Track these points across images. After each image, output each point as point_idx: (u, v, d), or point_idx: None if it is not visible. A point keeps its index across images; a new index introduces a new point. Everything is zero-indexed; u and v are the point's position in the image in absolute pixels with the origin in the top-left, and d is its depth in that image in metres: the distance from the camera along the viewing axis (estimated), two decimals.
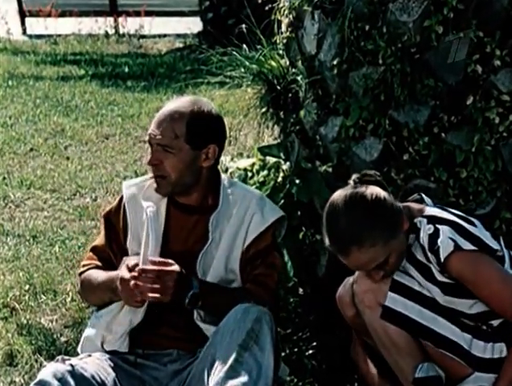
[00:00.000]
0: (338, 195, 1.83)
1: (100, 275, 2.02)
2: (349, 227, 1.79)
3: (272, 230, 2.04)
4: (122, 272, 1.90)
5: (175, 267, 1.87)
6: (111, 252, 2.08)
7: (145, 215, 2.01)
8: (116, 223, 2.09)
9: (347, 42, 2.40)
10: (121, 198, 2.11)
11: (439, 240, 1.83)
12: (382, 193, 1.83)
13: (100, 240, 2.13)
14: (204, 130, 2.01)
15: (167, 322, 1.98)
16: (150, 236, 1.95)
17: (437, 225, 1.86)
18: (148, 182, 2.09)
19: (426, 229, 1.86)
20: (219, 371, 1.77)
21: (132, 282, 1.85)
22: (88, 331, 2.04)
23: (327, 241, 1.84)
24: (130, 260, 1.92)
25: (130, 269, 1.88)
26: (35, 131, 5.13)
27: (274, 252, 2.05)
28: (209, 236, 1.99)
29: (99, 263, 2.09)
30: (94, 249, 2.12)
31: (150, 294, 1.85)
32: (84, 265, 2.12)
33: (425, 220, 1.88)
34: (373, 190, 1.82)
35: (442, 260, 1.83)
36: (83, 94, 6.16)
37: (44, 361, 2.45)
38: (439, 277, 1.88)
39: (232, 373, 1.76)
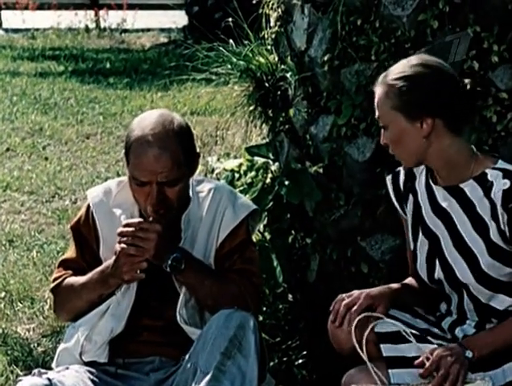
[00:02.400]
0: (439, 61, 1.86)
1: (82, 277, 1.96)
2: (403, 73, 1.79)
3: (245, 224, 2.01)
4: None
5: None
6: (84, 262, 2.02)
7: (118, 222, 1.95)
8: (86, 233, 2.03)
9: (338, 37, 2.37)
10: (88, 206, 2.04)
11: None
12: (446, 87, 1.79)
13: (71, 252, 2.06)
14: (192, 144, 1.96)
15: (148, 328, 1.93)
16: None
17: None
18: (115, 189, 2.03)
19: (501, 184, 1.77)
20: (201, 380, 1.74)
21: (117, 238, 1.86)
22: (65, 344, 1.97)
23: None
24: None
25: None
26: (11, 130, 5.08)
27: (250, 247, 2.02)
28: (182, 235, 1.95)
29: (71, 272, 2.01)
30: (64, 262, 2.05)
31: (131, 248, 1.84)
32: (55, 279, 2.04)
33: (500, 174, 1.79)
34: (448, 78, 1.81)
35: None
36: (62, 91, 6.12)
37: (20, 372, 2.40)
38: (495, 238, 1.79)
39: (214, 383, 1.72)
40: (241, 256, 1.97)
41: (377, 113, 1.85)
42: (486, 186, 1.80)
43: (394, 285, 1.94)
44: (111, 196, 2.01)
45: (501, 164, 1.84)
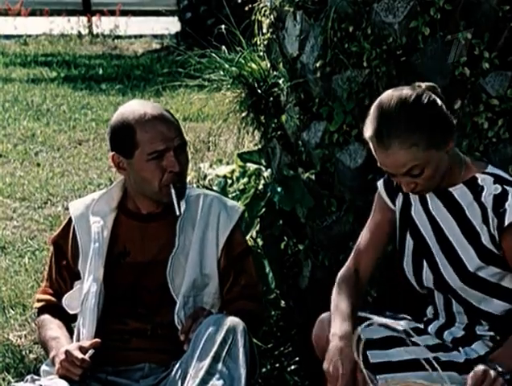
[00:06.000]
0: (395, 89, 1.81)
1: (47, 331, 1.99)
2: (398, 120, 1.74)
3: (240, 228, 2.06)
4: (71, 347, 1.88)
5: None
6: (61, 280, 2.04)
7: (92, 231, 1.99)
8: (65, 247, 2.05)
9: (330, 43, 2.37)
10: (69, 220, 2.06)
11: (507, 203, 1.75)
12: (440, 102, 1.79)
13: (50, 269, 2.09)
14: None
15: (137, 333, 1.94)
16: (91, 251, 1.96)
17: (505, 186, 1.77)
18: (96, 199, 2.05)
19: (492, 189, 1.78)
20: (190, 384, 1.75)
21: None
22: (46, 361, 2.01)
23: (369, 132, 1.77)
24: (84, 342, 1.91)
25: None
26: (3, 136, 5.05)
27: (249, 257, 2.05)
28: (176, 240, 1.96)
29: (52, 298, 2.05)
30: (48, 279, 2.09)
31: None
32: (38, 300, 2.09)
33: (491, 179, 1.80)
34: (432, 96, 1.78)
35: (506, 224, 1.74)
36: (55, 97, 6.10)
37: (12, 379, 2.39)
38: (486, 243, 1.79)
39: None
40: (243, 268, 2.01)
41: (406, 168, 1.75)
42: (477, 190, 1.80)
43: (347, 310, 1.84)
44: (91, 207, 2.03)
45: (491, 169, 1.84)
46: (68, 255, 2.03)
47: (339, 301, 1.85)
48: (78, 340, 1.94)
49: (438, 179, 1.81)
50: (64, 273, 2.04)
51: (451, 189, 1.84)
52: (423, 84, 1.81)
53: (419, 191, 1.82)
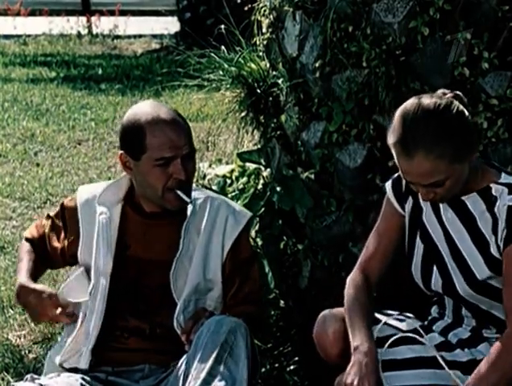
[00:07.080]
0: (420, 96, 1.76)
1: (22, 259, 2.03)
2: (424, 131, 1.69)
3: (247, 234, 2.04)
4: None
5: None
6: (49, 245, 2.06)
7: (97, 221, 1.98)
8: (68, 222, 2.05)
9: (330, 43, 2.37)
10: (75, 203, 2.07)
11: None
12: (467, 112, 1.76)
13: (48, 221, 2.09)
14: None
15: (136, 332, 1.93)
16: (101, 242, 1.95)
17: None
18: (104, 188, 2.04)
19: (506, 199, 1.76)
20: (192, 385, 1.75)
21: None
22: (51, 352, 2.02)
23: (394, 139, 1.73)
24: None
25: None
26: (3, 136, 5.05)
27: (255, 265, 2.04)
28: (181, 243, 1.95)
29: (37, 242, 2.08)
30: (44, 224, 2.10)
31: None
32: (30, 232, 2.11)
33: (506, 190, 1.78)
34: (460, 106, 1.75)
35: None
36: (54, 97, 6.09)
37: (11, 379, 2.39)
38: (494, 253, 1.78)
39: None
40: (248, 275, 2.00)
41: (430, 181, 1.73)
42: (490, 200, 1.79)
43: (365, 323, 1.83)
44: (97, 196, 2.03)
45: (505, 178, 1.82)
46: (66, 232, 2.04)
47: (355, 311, 1.84)
48: (85, 333, 1.93)
49: (458, 188, 1.78)
50: (53, 243, 2.05)
51: (463, 197, 1.82)
52: (448, 92, 1.78)
53: (437, 200, 1.80)
